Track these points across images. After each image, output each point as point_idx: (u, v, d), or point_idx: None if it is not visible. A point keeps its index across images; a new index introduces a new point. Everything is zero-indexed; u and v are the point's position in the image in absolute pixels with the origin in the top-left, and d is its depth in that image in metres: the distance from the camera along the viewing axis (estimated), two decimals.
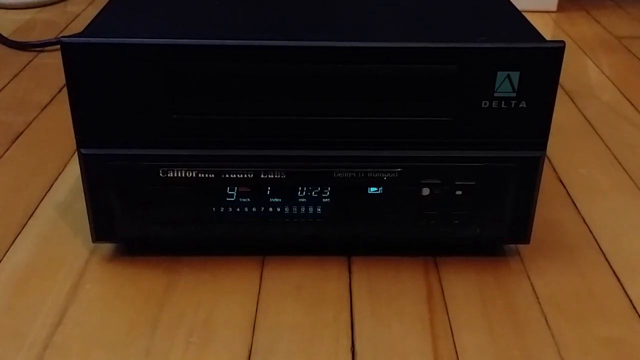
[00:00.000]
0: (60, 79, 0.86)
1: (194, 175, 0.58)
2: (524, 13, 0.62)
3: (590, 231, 0.69)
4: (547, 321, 0.57)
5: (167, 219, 0.60)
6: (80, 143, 0.57)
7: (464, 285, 0.61)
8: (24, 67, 1.04)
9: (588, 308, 0.59)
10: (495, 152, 0.58)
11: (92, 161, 0.57)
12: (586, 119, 0.92)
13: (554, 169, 0.79)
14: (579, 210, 0.72)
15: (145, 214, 0.59)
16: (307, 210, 0.59)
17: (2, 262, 0.63)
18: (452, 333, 0.56)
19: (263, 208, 0.59)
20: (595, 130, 0.89)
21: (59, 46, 0.54)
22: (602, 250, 0.66)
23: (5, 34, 1.12)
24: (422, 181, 0.58)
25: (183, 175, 0.58)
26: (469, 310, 0.58)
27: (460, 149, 0.58)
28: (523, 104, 0.56)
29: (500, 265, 0.63)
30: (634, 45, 1.17)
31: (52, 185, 0.74)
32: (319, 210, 0.59)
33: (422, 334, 0.56)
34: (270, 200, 0.59)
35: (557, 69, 0.55)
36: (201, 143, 0.57)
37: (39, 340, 0.54)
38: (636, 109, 0.95)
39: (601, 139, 0.86)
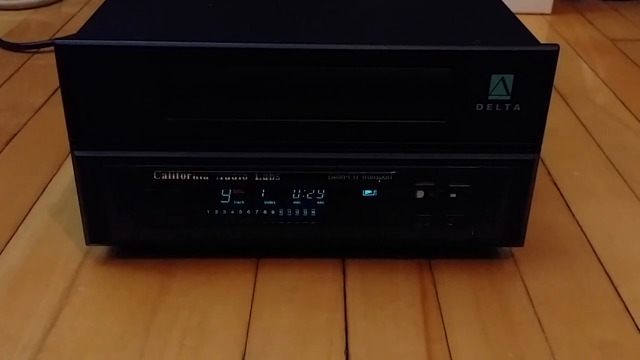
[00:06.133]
0: (55, 80, 0.86)
1: (188, 177, 0.58)
2: (518, 15, 0.62)
3: (584, 233, 0.69)
4: (540, 323, 0.57)
5: (161, 221, 0.59)
6: (74, 145, 0.57)
7: (458, 288, 0.61)
8: (18, 68, 1.04)
9: (581, 310, 0.59)
10: (489, 155, 0.58)
11: (85, 163, 0.57)
12: (580, 121, 0.92)
13: (548, 171, 0.79)
14: (572, 213, 0.72)
15: (139, 216, 0.59)
16: (301, 212, 0.59)
17: None
18: (446, 335, 0.56)
19: (257, 210, 0.59)
20: (589, 132, 0.89)
21: (53, 47, 0.54)
22: (595, 253, 0.66)
23: None
24: (416, 184, 0.58)
25: (177, 177, 0.58)
26: (462, 312, 0.58)
27: (454, 151, 0.58)
28: (517, 107, 0.56)
29: (494, 268, 0.63)
30: (628, 48, 1.18)
31: (45, 187, 0.74)
32: (314, 212, 0.59)
33: (416, 336, 0.56)
34: (265, 202, 0.59)
35: (552, 72, 0.55)
36: (195, 145, 0.57)
37: (33, 343, 0.54)
38: (630, 111, 0.95)
39: (595, 141, 0.87)
